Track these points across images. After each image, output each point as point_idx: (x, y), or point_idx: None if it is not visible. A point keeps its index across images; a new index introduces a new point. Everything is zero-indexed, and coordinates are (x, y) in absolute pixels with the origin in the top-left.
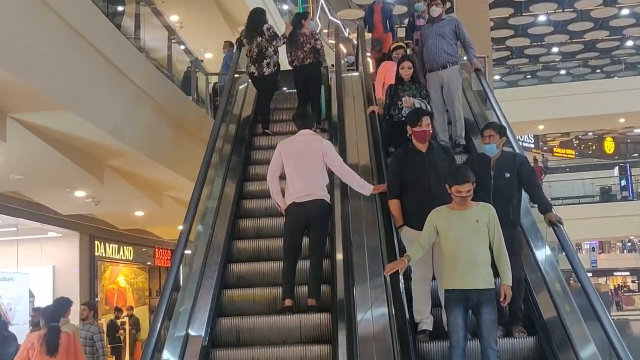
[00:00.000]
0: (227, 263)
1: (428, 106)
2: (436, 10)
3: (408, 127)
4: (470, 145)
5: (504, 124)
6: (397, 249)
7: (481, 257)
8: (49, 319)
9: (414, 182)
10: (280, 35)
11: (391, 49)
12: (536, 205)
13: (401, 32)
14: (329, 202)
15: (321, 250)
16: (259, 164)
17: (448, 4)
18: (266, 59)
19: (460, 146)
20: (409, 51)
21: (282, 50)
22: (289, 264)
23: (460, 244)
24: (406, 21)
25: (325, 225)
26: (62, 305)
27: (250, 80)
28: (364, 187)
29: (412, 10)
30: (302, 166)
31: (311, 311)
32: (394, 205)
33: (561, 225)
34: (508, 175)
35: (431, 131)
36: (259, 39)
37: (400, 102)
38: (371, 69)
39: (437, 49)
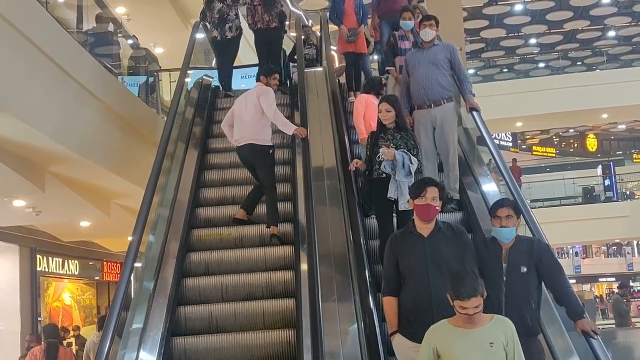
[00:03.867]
0: (191, 228)
1: (414, 159)
2: (430, 33)
3: (410, 199)
4: (464, 199)
5: (510, 187)
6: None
7: None
8: (48, 335)
9: (411, 276)
10: None
11: (383, 83)
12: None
13: None
14: (265, 144)
15: (270, 189)
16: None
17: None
18: (228, 23)
19: (453, 201)
20: (389, 83)
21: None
22: (253, 188)
23: None
24: None
25: (266, 166)
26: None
27: (211, 45)
28: (287, 127)
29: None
30: (242, 113)
31: (274, 239)
32: (389, 305)
33: (597, 336)
34: (525, 269)
35: (439, 208)
36: (219, 4)
37: (379, 156)
38: (337, 64)
39: (429, 80)
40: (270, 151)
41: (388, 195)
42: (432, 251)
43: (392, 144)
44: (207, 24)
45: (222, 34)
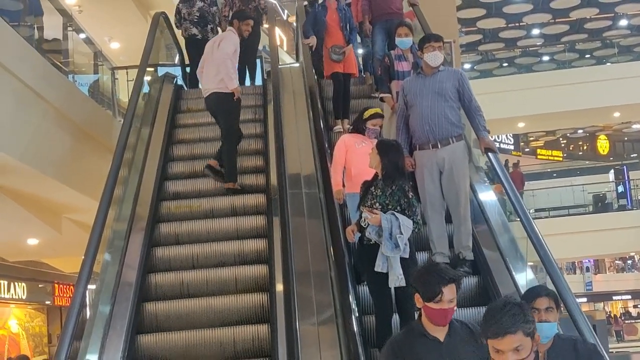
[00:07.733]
0: (164, 180)
1: (406, 226)
2: (438, 57)
3: (416, 296)
4: (480, 260)
5: (539, 251)
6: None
7: None
8: None
9: None
10: None
11: (364, 117)
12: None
13: None
14: (226, 91)
15: (230, 138)
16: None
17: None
18: (210, 24)
19: (466, 262)
20: (385, 113)
21: None
22: (222, 143)
23: None
24: None
25: (227, 113)
26: None
27: (186, 43)
28: (230, 80)
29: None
30: (207, 64)
31: (229, 193)
32: None
33: None
34: None
35: (455, 307)
36: (201, 3)
37: (364, 220)
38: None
39: (435, 115)
40: (235, 98)
41: (375, 269)
42: (452, 358)
43: (377, 204)
44: (184, 21)
45: (203, 33)
